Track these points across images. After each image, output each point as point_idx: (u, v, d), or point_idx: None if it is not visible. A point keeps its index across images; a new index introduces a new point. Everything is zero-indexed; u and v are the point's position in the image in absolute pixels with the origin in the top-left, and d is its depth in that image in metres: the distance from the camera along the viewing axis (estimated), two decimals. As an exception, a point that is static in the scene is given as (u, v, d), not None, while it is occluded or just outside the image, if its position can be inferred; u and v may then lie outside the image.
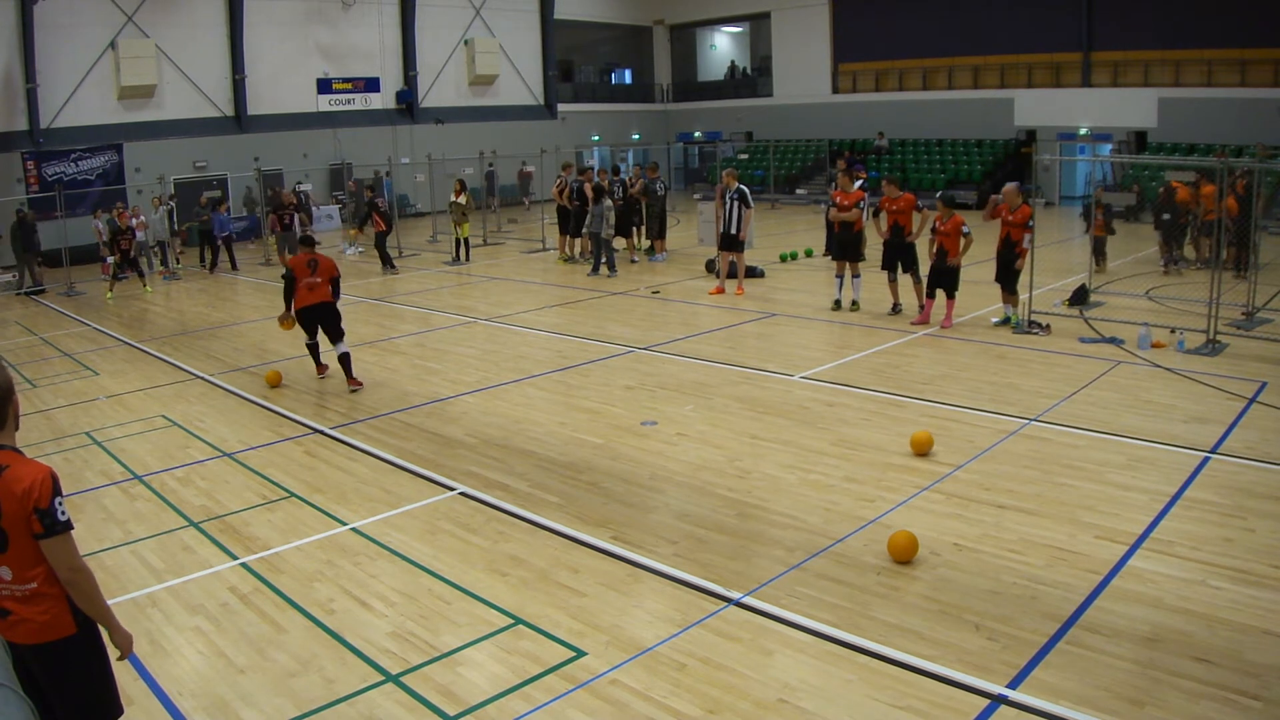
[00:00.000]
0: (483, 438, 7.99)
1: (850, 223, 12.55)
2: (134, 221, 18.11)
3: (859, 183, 17.10)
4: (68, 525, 3.05)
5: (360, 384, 9.70)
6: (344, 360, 9.71)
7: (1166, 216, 15.01)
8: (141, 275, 17.50)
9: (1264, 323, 10.97)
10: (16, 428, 3.18)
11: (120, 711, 3.37)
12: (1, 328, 14.54)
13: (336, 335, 9.71)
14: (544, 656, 4.59)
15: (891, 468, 6.89)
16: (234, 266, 19.61)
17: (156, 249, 19.49)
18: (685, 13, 35.85)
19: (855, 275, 12.62)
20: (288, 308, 9.72)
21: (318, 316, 9.74)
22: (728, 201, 13.76)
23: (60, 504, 3.04)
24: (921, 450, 7.13)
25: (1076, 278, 13.29)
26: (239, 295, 16.83)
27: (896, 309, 12.15)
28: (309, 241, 10.08)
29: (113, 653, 3.31)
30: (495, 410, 8.79)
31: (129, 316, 15.07)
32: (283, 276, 9.90)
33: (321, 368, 10.22)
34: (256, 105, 25.63)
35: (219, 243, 19.48)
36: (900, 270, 11.97)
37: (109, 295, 16.85)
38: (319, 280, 9.67)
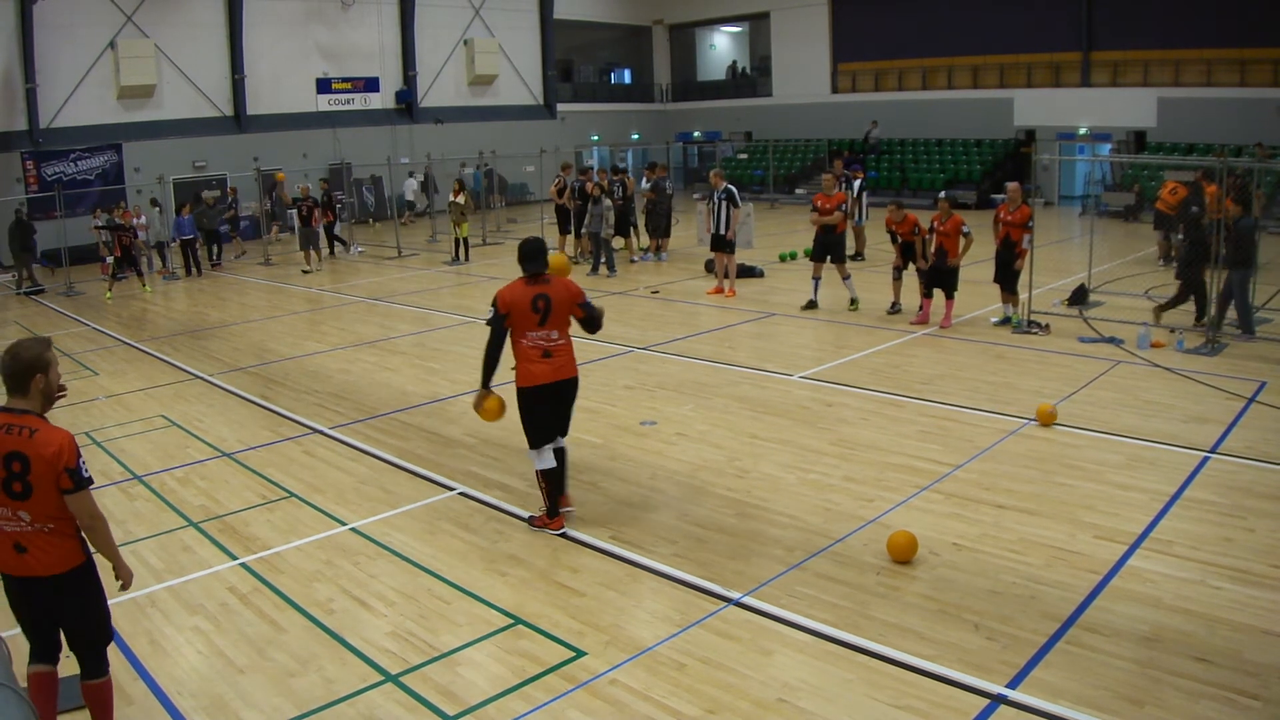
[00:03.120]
0: (482, 438, 7.99)
1: (832, 225, 12.55)
2: (135, 222, 18.17)
3: (858, 182, 17.18)
4: (90, 481, 3.65)
5: (571, 504, 6.25)
6: (560, 458, 6.01)
7: (1195, 209, 14.93)
8: (141, 275, 17.49)
9: (1264, 322, 10.97)
10: (49, 404, 3.71)
11: (112, 629, 4.01)
12: (1, 328, 14.54)
13: (563, 428, 6.05)
14: (544, 656, 4.59)
15: (891, 467, 6.89)
16: (199, 272, 19.15)
17: (156, 249, 19.49)
18: (685, 13, 35.84)
19: (845, 277, 12.58)
20: (487, 378, 5.87)
21: (555, 402, 5.90)
22: (715, 202, 13.75)
23: (83, 463, 3.62)
24: (1047, 421, 7.56)
25: (1076, 277, 13.30)
26: (239, 295, 16.83)
27: (895, 308, 12.14)
28: (534, 257, 5.78)
29: (114, 585, 3.89)
30: (495, 410, 8.77)
31: (129, 316, 15.07)
32: (487, 323, 5.83)
33: (559, 514, 6.09)
34: (256, 105, 25.63)
35: (198, 241, 19.15)
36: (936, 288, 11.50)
37: (108, 295, 16.85)
38: (556, 339, 5.78)
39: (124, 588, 3.89)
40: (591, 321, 5.96)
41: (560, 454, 6.00)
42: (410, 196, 27.14)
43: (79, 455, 3.58)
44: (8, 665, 3.57)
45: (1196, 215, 14.56)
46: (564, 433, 6.04)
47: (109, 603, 3.94)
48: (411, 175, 25.95)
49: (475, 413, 5.99)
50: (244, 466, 7.53)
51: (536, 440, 5.91)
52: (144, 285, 17.43)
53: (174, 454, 7.93)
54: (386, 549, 5.90)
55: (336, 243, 21.17)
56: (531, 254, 5.81)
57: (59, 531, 3.64)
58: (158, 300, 16.63)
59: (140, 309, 15.80)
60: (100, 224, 18.19)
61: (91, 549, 3.81)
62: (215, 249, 20.41)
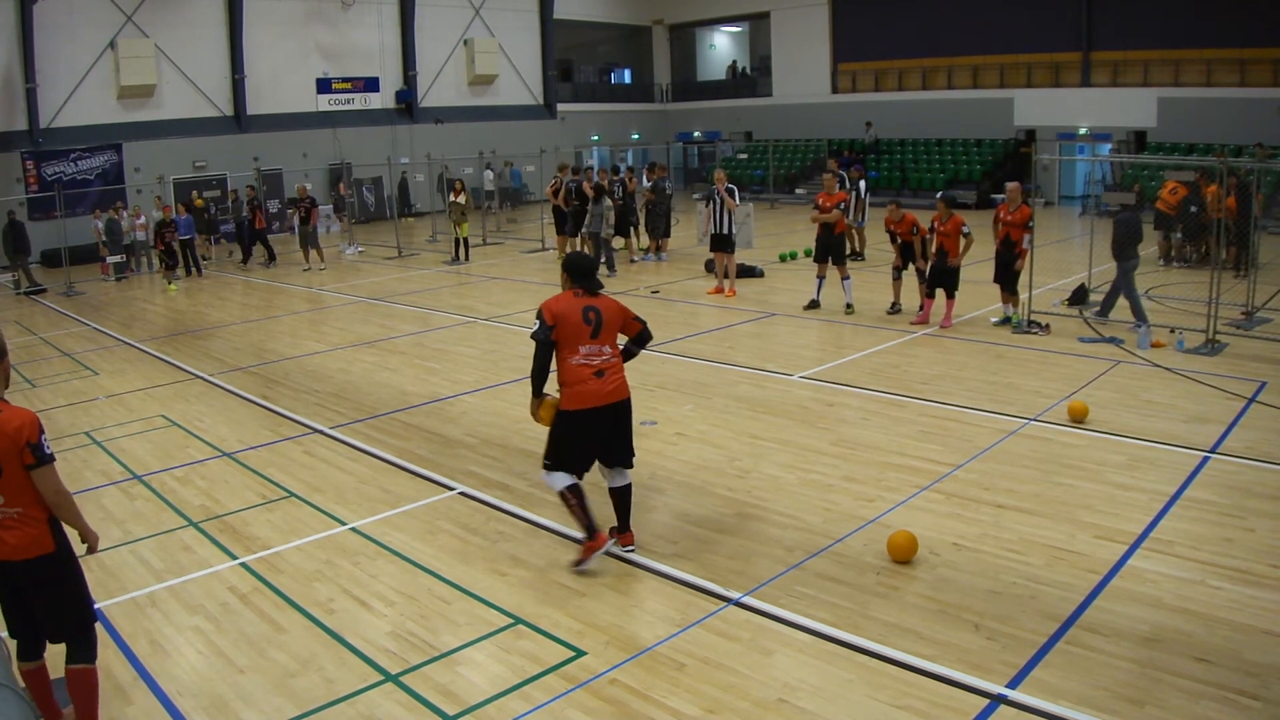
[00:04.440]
0: (483, 438, 7.99)
1: (831, 224, 12.48)
2: (137, 221, 18.30)
3: (861, 183, 17.17)
4: (52, 458, 3.70)
5: (633, 542, 5.69)
6: (622, 496, 5.64)
7: (1195, 209, 14.92)
8: (170, 270, 17.93)
9: (1263, 322, 10.98)
10: (6, 386, 3.80)
11: (95, 615, 4.03)
12: (1, 327, 14.53)
13: (624, 453, 5.55)
14: (543, 656, 4.59)
15: (891, 467, 6.89)
16: (199, 272, 19.17)
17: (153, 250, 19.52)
18: (685, 13, 35.85)
19: (845, 278, 12.54)
20: (539, 390, 5.39)
21: (607, 427, 5.43)
22: (716, 201, 13.73)
23: (45, 440, 3.68)
24: (1079, 417, 7.60)
25: (1076, 277, 13.30)
26: (239, 295, 16.84)
27: (895, 308, 12.12)
28: (581, 270, 5.53)
29: (82, 551, 3.96)
30: (495, 410, 8.79)
31: (129, 316, 15.07)
32: (533, 336, 5.32)
33: (600, 531, 5.48)
34: (256, 105, 25.65)
35: (183, 245, 18.95)
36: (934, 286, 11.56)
37: (171, 287, 17.41)
38: (609, 356, 5.39)
39: (89, 551, 3.94)
40: (646, 335, 5.64)
41: (625, 492, 5.57)
42: (489, 187, 27.54)
43: (42, 432, 3.65)
44: (8, 665, 3.59)
45: (1195, 215, 14.50)
46: (627, 462, 5.53)
47: (89, 594, 3.97)
48: (489, 167, 26.31)
49: (535, 420, 5.50)
50: (244, 466, 7.53)
51: (559, 463, 5.39)
52: (162, 282, 17.80)
53: (174, 454, 7.93)
54: (386, 549, 5.90)
55: (265, 251, 19.71)
56: (585, 271, 5.50)
57: (27, 516, 3.68)
58: (158, 300, 16.63)
59: (141, 309, 15.80)
60: (93, 223, 18.37)
61: (67, 537, 3.85)
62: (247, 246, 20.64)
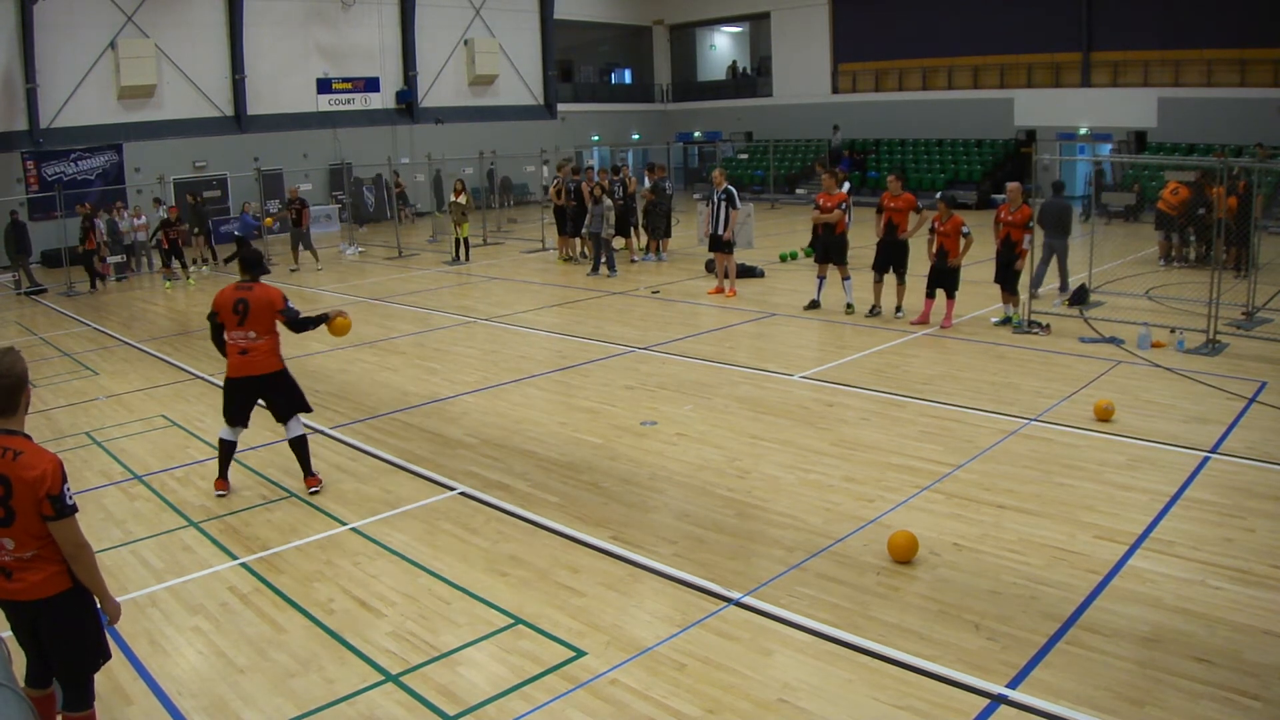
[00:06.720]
0: (483, 438, 7.99)
1: (832, 224, 12.44)
2: (136, 221, 18.31)
3: (845, 185, 17.08)
4: (74, 509, 3.46)
5: (319, 482, 6.88)
6: (296, 447, 6.82)
7: (1202, 210, 14.92)
8: (185, 267, 18.05)
9: (1264, 322, 10.98)
10: (26, 412, 3.58)
11: (109, 656, 3.83)
12: (1, 328, 14.53)
13: (285, 410, 6.77)
14: (544, 656, 4.59)
15: (891, 468, 6.89)
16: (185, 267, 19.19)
17: (156, 249, 19.50)
18: (685, 13, 35.86)
19: (845, 278, 12.52)
20: (221, 351, 6.81)
21: (248, 395, 6.74)
22: (714, 202, 13.72)
23: (68, 490, 3.43)
24: (1105, 417, 7.57)
25: (1076, 277, 13.30)
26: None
27: (875, 311, 12.07)
28: (250, 263, 6.70)
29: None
30: (495, 410, 8.79)
31: (129, 316, 15.06)
32: (208, 318, 6.73)
33: (223, 483, 6.85)
34: (256, 105, 25.65)
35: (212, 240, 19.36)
36: (892, 271, 11.90)
37: (190, 281, 17.77)
38: (254, 338, 6.57)
39: (111, 623, 3.73)
40: (293, 326, 6.73)
41: (296, 442, 6.79)
42: (544, 182, 27.44)
43: (64, 481, 3.40)
44: (7, 665, 3.57)
45: (1202, 217, 14.58)
46: (281, 419, 6.78)
47: (103, 640, 3.77)
48: (545, 163, 26.44)
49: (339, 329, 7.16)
50: (244, 466, 7.52)
51: (226, 416, 6.78)
52: (188, 278, 18.03)
53: (174, 454, 7.93)
54: (386, 549, 5.90)
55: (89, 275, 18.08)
56: (247, 265, 6.70)
57: (41, 557, 3.47)
58: (158, 300, 16.63)
59: (141, 309, 15.80)
60: (105, 234, 18.34)
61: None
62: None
